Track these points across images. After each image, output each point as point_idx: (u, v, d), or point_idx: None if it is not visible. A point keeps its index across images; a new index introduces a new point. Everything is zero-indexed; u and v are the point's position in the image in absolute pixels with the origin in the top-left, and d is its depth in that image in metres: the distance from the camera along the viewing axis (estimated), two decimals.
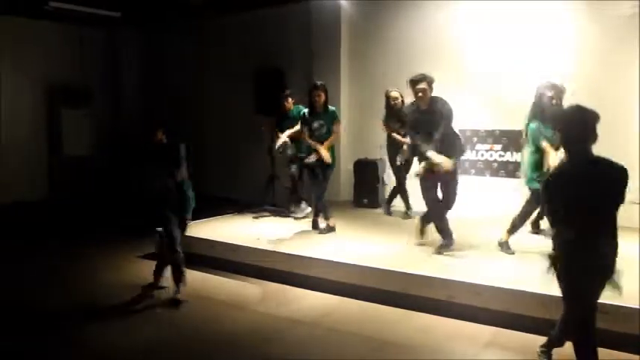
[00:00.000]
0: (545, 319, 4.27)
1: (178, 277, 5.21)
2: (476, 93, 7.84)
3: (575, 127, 3.19)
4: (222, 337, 4.46)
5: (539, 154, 5.48)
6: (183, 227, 5.28)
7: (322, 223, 6.81)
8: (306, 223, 7.11)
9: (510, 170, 7.89)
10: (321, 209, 6.80)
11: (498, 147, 7.95)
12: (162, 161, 5.29)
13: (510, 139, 7.82)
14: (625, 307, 3.98)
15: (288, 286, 5.58)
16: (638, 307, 3.99)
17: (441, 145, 5.56)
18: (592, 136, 3.15)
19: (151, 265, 6.11)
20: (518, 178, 7.77)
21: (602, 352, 3.29)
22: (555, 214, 3.31)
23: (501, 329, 4.42)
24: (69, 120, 10.70)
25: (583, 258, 3.18)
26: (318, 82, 6.69)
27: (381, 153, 7.96)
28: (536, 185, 5.13)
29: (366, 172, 8.51)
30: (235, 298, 5.33)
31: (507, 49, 7.68)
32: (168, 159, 5.25)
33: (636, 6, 6.71)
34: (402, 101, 7.27)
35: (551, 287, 3.47)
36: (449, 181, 5.72)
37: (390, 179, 8.41)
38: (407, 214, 7.55)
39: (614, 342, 3.89)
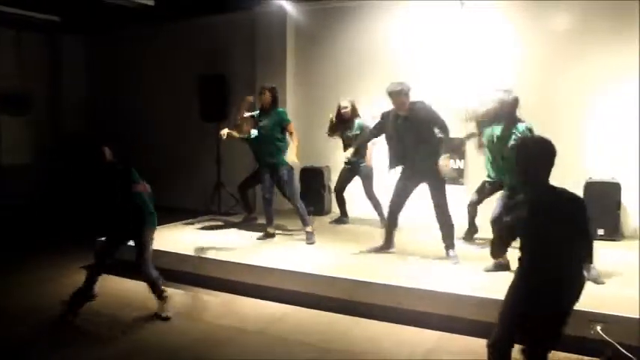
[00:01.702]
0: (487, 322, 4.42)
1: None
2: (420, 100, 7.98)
3: (538, 158, 3.11)
4: (167, 348, 4.39)
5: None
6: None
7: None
8: (253, 231, 7.12)
9: (454, 177, 8.05)
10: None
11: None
12: (117, 183, 5.05)
13: (453, 147, 7.97)
14: None
15: (235, 295, 5.55)
16: None
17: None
18: (551, 167, 3.11)
19: None
20: (461, 185, 7.98)
21: None
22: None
23: (446, 333, 4.51)
24: (7, 127, 10.32)
25: (531, 287, 3.14)
26: (265, 84, 6.83)
27: None
28: None
29: (312, 179, 8.54)
30: (182, 308, 5.26)
31: (451, 56, 7.85)
32: (122, 182, 5.03)
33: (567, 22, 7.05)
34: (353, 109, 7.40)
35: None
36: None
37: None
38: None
39: None
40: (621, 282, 4.90)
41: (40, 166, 10.56)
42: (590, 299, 4.25)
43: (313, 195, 8.52)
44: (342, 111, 7.39)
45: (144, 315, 5.09)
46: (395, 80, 7.20)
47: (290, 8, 8.72)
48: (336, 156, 8.45)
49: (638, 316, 4.02)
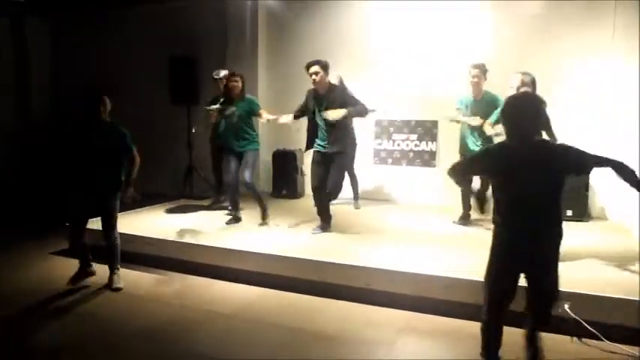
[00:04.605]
0: (456, 301, 4.48)
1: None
2: (392, 85, 8.01)
3: (522, 114, 3.16)
4: (139, 332, 4.35)
5: None
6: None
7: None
8: (225, 214, 7.09)
9: (426, 159, 8.12)
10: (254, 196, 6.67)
11: (414, 137, 8.14)
12: (106, 144, 5.11)
13: (425, 129, 8.05)
14: None
15: (206, 279, 5.52)
16: None
17: (335, 133, 5.85)
18: (538, 124, 3.22)
19: (65, 261, 5.98)
20: (433, 167, 8.05)
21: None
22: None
23: (415, 313, 4.56)
24: None
25: (510, 243, 3.22)
26: (235, 71, 6.69)
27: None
28: None
29: (284, 162, 8.53)
30: (153, 292, 5.23)
31: (422, 42, 7.88)
32: (114, 143, 5.12)
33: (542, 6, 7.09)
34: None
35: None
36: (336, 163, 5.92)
37: (308, 169, 8.49)
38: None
39: None
40: (586, 261, 5.00)
41: (6, 151, 10.32)
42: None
43: (286, 178, 8.53)
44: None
45: (112, 297, 5.06)
46: (369, 61, 7.19)
47: None
48: None
49: (600, 295, 4.11)
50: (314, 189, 6.06)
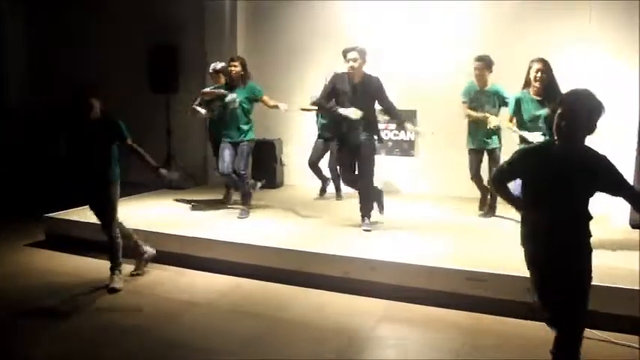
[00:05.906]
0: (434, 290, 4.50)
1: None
2: (370, 73, 7.97)
3: (579, 113, 2.82)
4: (118, 323, 4.32)
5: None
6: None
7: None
8: (204, 204, 7.06)
9: (405, 149, 8.12)
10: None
11: (393, 126, 8.13)
12: (103, 137, 5.00)
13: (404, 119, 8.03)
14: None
15: (184, 269, 5.50)
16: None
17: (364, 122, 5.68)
18: (591, 127, 2.85)
19: (43, 254, 5.90)
20: (412, 156, 8.06)
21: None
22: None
23: (394, 302, 4.57)
24: None
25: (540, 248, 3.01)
26: (236, 56, 6.59)
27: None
28: None
29: (264, 152, 8.48)
30: (131, 283, 5.18)
31: (401, 31, 7.88)
32: (110, 136, 5.03)
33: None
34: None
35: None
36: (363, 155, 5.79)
37: (287, 159, 8.49)
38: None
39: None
40: None
41: None
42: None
43: (266, 168, 8.48)
44: None
45: (88, 290, 5.00)
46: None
47: None
48: (287, 128, 8.43)
49: None
50: (342, 174, 6.10)
